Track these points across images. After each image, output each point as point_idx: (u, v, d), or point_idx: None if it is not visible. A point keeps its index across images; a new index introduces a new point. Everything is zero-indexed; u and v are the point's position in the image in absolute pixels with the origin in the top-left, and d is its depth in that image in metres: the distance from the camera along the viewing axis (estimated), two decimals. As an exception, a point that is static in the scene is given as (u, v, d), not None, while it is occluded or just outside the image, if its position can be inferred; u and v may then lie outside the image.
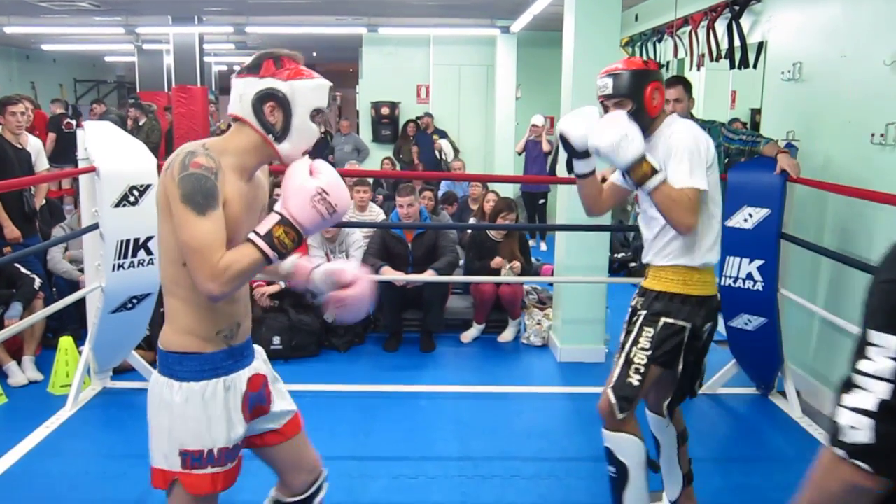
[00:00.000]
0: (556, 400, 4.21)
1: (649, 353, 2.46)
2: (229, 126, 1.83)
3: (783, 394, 4.04)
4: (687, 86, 4.10)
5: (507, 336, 5.18)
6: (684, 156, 2.36)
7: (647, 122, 2.43)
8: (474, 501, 3.03)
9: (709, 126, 4.12)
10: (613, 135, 2.30)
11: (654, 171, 2.31)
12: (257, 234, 1.66)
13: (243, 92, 1.73)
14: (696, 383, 2.65)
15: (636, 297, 2.63)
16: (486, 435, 3.65)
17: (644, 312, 2.52)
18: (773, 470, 3.36)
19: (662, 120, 2.50)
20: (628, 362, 2.48)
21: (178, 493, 1.86)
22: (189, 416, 1.77)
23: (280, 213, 1.67)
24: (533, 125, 9.04)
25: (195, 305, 1.76)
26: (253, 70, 1.74)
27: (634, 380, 2.45)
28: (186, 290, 1.75)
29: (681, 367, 2.49)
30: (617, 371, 2.50)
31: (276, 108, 1.73)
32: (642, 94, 2.43)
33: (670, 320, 2.47)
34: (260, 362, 1.96)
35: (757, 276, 3.80)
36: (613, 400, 2.45)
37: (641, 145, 2.31)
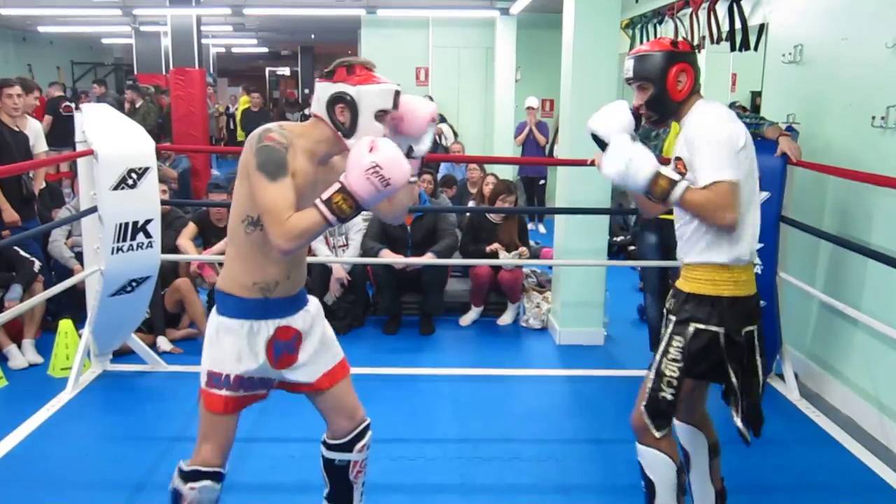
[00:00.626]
0: (555, 383, 4.22)
1: (681, 364, 2.29)
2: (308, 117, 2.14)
3: (781, 377, 4.06)
4: None
5: (506, 319, 5.18)
6: (704, 148, 2.21)
7: (671, 107, 2.33)
8: (473, 483, 3.05)
9: None
10: (619, 163, 2.22)
11: (672, 184, 2.18)
12: (321, 199, 1.92)
13: (320, 94, 2.06)
14: (754, 392, 2.42)
15: (670, 298, 2.42)
16: (485, 417, 3.67)
17: (674, 318, 2.34)
18: (771, 452, 3.38)
19: (693, 104, 2.34)
20: (659, 375, 2.32)
21: (200, 407, 2.20)
22: (218, 343, 2.12)
23: (340, 183, 1.92)
24: (528, 107, 9.01)
25: (241, 258, 2.09)
26: (328, 76, 2.08)
27: (668, 394, 2.30)
28: (238, 245, 2.08)
29: (733, 378, 2.33)
30: (649, 385, 2.36)
31: (346, 109, 2.04)
32: (665, 77, 2.30)
33: (701, 326, 2.28)
34: (299, 320, 2.20)
35: (756, 260, 3.80)
36: (648, 420, 2.34)
37: (650, 164, 2.19)
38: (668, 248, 4.25)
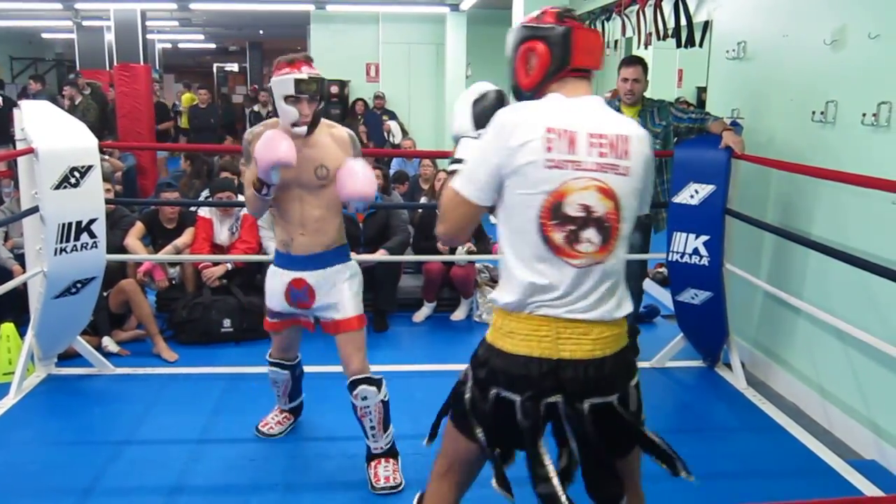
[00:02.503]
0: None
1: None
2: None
3: (729, 366, 4.15)
4: (645, 66, 4.15)
5: (459, 315, 5.20)
6: (469, 144, 1.84)
7: (521, 96, 1.85)
8: (428, 479, 3.05)
9: (658, 105, 4.17)
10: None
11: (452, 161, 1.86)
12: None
13: None
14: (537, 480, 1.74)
15: None
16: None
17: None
18: (720, 439, 3.46)
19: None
20: None
21: None
22: (266, 284, 3.00)
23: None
24: None
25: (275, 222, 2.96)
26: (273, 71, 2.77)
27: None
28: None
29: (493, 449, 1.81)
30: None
31: (269, 98, 2.89)
32: (513, 59, 1.86)
33: (471, 380, 1.83)
34: (311, 276, 2.87)
35: (703, 251, 3.88)
36: None
37: (456, 129, 1.92)
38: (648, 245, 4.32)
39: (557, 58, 1.77)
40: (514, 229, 1.73)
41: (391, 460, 2.99)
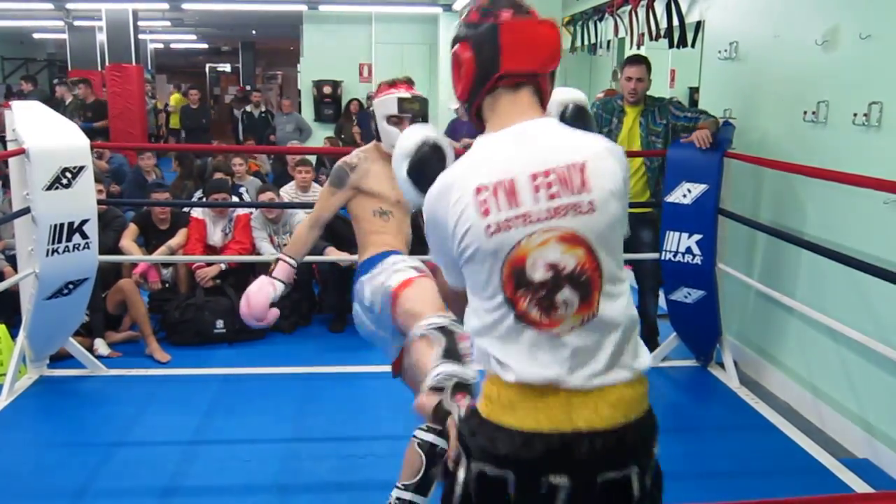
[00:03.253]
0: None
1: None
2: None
3: (721, 365, 4.16)
4: (649, 65, 4.15)
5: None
6: None
7: (462, 110, 1.58)
8: (423, 479, 3.05)
9: (659, 104, 4.16)
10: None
11: None
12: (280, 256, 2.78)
13: None
14: None
15: None
16: (434, 413, 3.67)
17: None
18: (713, 438, 3.47)
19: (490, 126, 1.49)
20: None
21: None
22: None
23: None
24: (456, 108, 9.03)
25: None
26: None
27: None
28: None
29: None
30: None
31: (372, 120, 2.71)
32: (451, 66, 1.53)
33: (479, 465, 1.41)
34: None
35: (696, 251, 3.89)
36: None
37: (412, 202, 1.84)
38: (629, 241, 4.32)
39: (482, 63, 1.42)
40: (490, 324, 1.41)
41: None
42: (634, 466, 1.45)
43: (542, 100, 1.48)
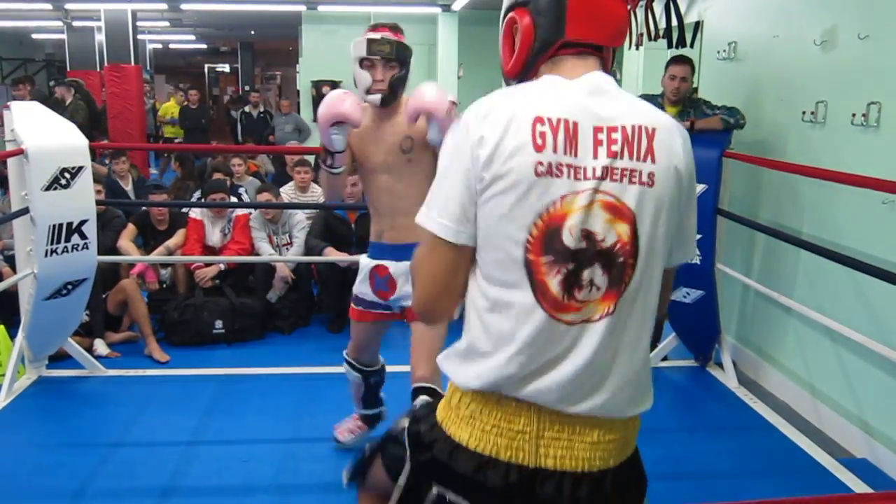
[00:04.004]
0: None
1: None
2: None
3: (720, 365, 4.16)
4: (693, 66, 4.14)
5: (454, 314, 5.18)
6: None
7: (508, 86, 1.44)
8: (422, 479, 3.05)
9: (694, 105, 4.12)
10: None
11: None
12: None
13: None
14: None
15: None
16: (433, 413, 3.67)
17: None
18: (712, 439, 3.47)
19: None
20: None
21: None
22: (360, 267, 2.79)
23: None
24: (450, 101, 9.02)
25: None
26: None
27: None
28: None
29: None
30: None
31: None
32: (500, 40, 1.41)
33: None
34: (393, 265, 2.65)
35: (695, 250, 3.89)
36: None
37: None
38: None
39: (545, 29, 1.24)
40: (488, 275, 1.21)
41: None
42: None
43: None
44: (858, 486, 3.01)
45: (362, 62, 2.52)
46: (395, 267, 2.65)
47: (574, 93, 1.20)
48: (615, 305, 1.18)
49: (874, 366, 3.21)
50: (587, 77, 1.23)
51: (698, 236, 3.91)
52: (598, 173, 1.16)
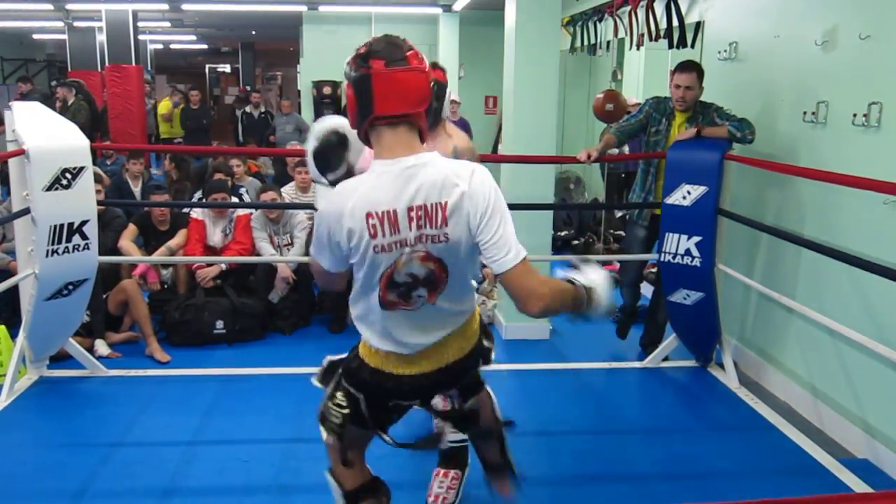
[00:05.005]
0: (502, 377, 4.25)
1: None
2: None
3: (721, 365, 4.16)
4: (701, 73, 4.06)
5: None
6: None
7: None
8: (423, 479, 3.05)
9: (703, 112, 4.05)
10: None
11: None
12: None
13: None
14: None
15: None
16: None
17: None
18: (713, 439, 3.47)
19: None
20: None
21: None
22: None
23: None
24: (451, 101, 9.01)
25: None
26: None
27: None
28: None
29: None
30: None
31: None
32: None
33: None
34: None
35: (695, 252, 3.89)
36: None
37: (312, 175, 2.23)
38: (653, 242, 4.33)
39: (361, 105, 1.73)
40: (365, 312, 1.92)
41: (451, 471, 2.86)
42: (454, 388, 2.10)
43: (421, 132, 1.78)
44: (859, 487, 3.01)
45: None
46: None
47: (392, 185, 1.72)
48: (435, 300, 1.86)
49: (875, 366, 3.21)
50: (401, 164, 1.73)
51: (698, 238, 3.94)
52: (413, 240, 1.75)
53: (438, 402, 2.17)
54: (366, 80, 1.69)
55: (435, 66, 2.78)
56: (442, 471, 2.86)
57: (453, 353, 1.98)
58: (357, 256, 1.78)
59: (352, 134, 1.94)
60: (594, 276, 1.87)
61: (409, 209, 1.72)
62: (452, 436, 2.74)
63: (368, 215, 1.72)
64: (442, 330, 1.94)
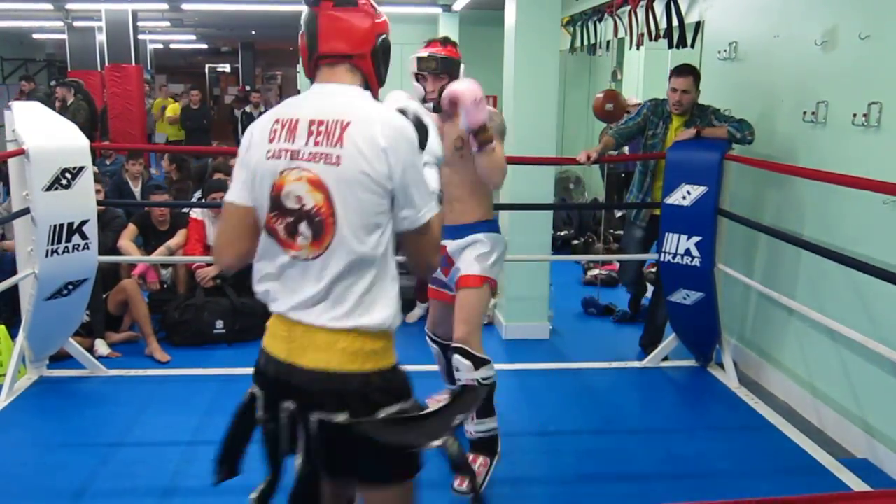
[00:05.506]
0: (501, 377, 4.20)
1: None
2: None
3: (721, 365, 4.16)
4: (697, 76, 4.08)
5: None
6: None
7: None
8: (420, 478, 3.05)
9: (700, 115, 4.07)
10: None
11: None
12: None
13: None
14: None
15: None
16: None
17: None
18: (713, 439, 3.47)
19: None
20: None
21: None
22: None
23: None
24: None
25: None
26: None
27: None
28: None
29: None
30: None
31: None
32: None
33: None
34: (450, 243, 2.93)
35: (695, 252, 3.89)
36: None
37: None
38: (651, 243, 4.34)
39: (309, 46, 1.70)
40: (263, 250, 1.70)
41: (480, 457, 2.93)
42: (344, 414, 1.58)
43: (367, 77, 1.71)
44: (859, 486, 3.01)
45: (417, 76, 2.87)
46: (452, 245, 2.96)
47: (307, 98, 1.69)
48: (322, 250, 1.59)
49: (875, 366, 3.21)
50: (323, 85, 1.68)
51: (698, 238, 3.94)
52: (306, 156, 1.60)
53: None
54: (313, 19, 1.68)
55: (446, 41, 2.94)
56: (471, 456, 2.92)
57: (341, 359, 1.61)
58: (254, 173, 1.65)
59: (421, 109, 1.89)
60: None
61: (311, 122, 1.61)
62: (478, 426, 2.92)
63: (276, 121, 1.66)
64: (325, 312, 1.61)
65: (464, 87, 2.67)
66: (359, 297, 1.60)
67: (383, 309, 1.63)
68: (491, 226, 3.05)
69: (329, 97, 1.66)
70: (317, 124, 1.60)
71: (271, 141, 1.64)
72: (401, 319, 1.71)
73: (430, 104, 2.85)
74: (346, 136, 1.57)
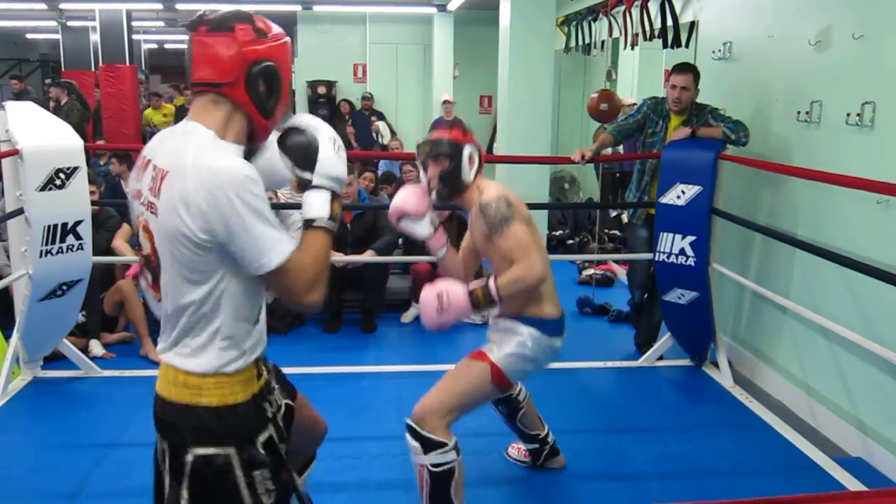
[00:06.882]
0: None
1: None
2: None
3: (716, 364, 4.17)
4: (697, 74, 4.08)
5: (448, 315, 5.18)
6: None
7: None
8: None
9: (697, 114, 4.09)
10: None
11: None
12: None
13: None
14: None
15: None
16: (429, 413, 3.66)
17: None
18: (707, 437, 3.48)
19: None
20: None
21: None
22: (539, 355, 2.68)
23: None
24: (444, 101, 9.03)
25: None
26: None
27: None
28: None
29: None
30: None
31: None
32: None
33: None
34: (494, 328, 2.77)
35: (689, 252, 3.90)
36: None
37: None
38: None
39: (187, 72, 1.63)
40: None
41: None
42: (166, 442, 1.72)
43: (243, 107, 1.59)
44: (853, 485, 3.02)
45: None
46: (494, 328, 2.78)
47: (167, 135, 1.63)
48: (159, 294, 1.61)
49: (869, 365, 3.22)
50: (185, 122, 1.59)
51: (692, 237, 3.95)
52: (145, 201, 1.56)
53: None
54: (188, 46, 1.61)
55: (454, 124, 2.71)
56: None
57: (167, 388, 1.69)
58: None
59: (318, 132, 1.74)
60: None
61: (154, 165, 1.55)
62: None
63: (143, 156, 1.62)
64: (168, 349, 1.66)
65: (405, 200, 2.60)
66: (190, 341, 1.61)
67: (211, 357, 1.62)
68: (532, 322, 2.63)
69: (171, 138, 1.59)
70: (152, 168, 1.56)
71: (135, 180, 1.64)
72: (245, 362, 1.74)
73: (433, 193, 2.63)
74: (163, 187, 1.50)
